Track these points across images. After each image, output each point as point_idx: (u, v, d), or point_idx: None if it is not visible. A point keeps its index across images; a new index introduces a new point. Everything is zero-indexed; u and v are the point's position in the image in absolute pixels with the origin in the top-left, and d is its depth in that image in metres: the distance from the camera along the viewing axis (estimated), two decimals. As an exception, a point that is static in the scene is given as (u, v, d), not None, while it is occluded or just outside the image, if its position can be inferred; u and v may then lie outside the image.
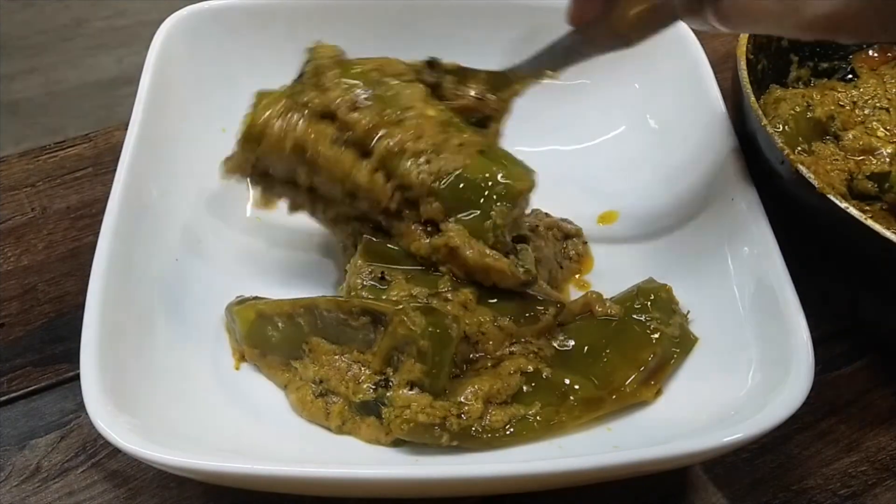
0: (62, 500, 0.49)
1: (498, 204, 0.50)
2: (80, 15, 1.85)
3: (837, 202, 0.50)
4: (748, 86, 0.57)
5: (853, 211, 0.49)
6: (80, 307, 0.47)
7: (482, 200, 0.50)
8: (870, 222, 0.49)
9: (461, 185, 0.50)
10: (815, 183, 0.51)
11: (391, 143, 0.50)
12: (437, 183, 0.50)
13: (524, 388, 0.49)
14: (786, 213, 0.55)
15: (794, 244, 0.53)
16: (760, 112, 0.56)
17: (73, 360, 0.45)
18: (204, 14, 0.65)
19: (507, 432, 0.48)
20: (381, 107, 0.52)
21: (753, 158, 0.57)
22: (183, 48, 0.63)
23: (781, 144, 0.53)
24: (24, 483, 0.50)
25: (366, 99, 0.52)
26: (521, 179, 0.51)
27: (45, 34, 1.81)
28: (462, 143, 0.51)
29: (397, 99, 0.52)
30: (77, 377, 0.44)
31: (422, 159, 0.50)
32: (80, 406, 0.44)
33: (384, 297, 0.50)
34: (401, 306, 0.48)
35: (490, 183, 0.50)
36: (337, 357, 0.50)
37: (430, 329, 0.47)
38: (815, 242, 0.55)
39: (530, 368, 0.50)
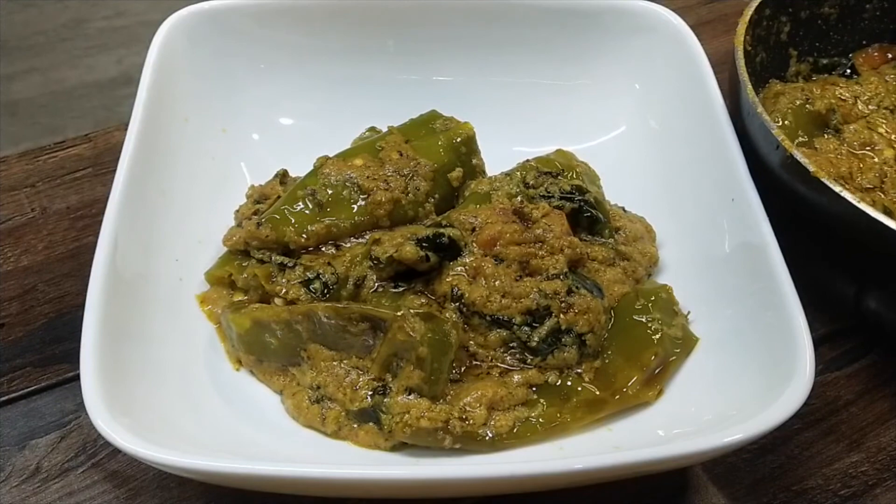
0: (62, 500, 0.49)
1: None
2: (80, 15, 1.85)
3: (831, 186, 0.49)
4: (745, 74, 0.57)
5: (847, 195, 0.48)
6: (80, 307, 0.47)
7: None
8: (863, 206, 0.48)
9: None
10: (810, 167, 0.50)
11: None
12: None
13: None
14: (784, 205, 0.55)
15: (794, 241, 0.53)
16: (756, 99, 0.55)
17: (73, 360, 0.45)
18: (204, 14, 0.65)
19: (511, 434, 0.48)
20: None
21: (750, 151, 0.56)
22: (183, 48, 0.63)
23: (776, 130, 0.53)
24: (24, 483, 0.50)
25: None
26: None
27: (45, 34, 1.81)
28: None
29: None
30: (77, 377, 0.44)
31: None
32: (80, 406, 0.44)
33: (398, 303, 0.50)
34: (401, 312, 0.48)
35: None
36: (335, 363, 0.50)
37: (429, 335, 0.47)
38: (815, 235, 0.55)
39: (540, 382, 0.50)
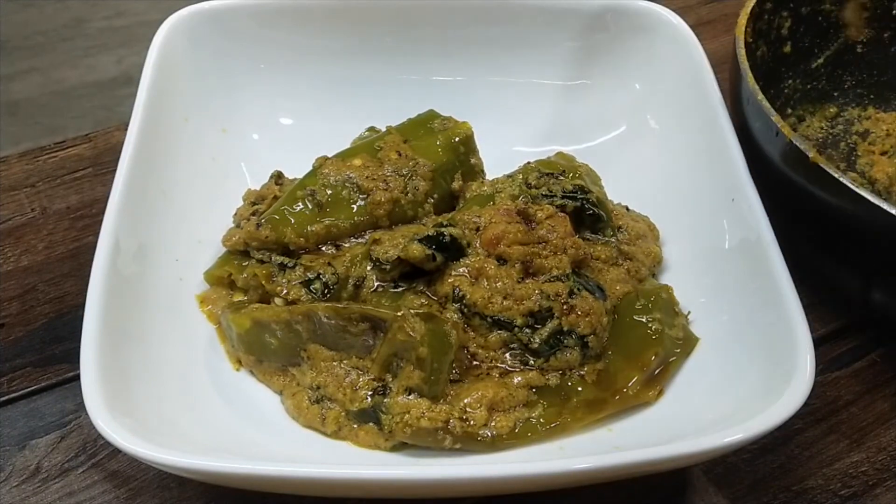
0: (62, 500, 0.49)
1: None
2: (80, 15, 1.85)
3: (831, 172, 0.48)
4: (745, 62, 0.56)
5: (846, 181, 0.47)
6: (80, 307, 0.47)
7: None
8: (861, 190, 0.47)
9: None
10: (809, 153, 0.49)
11: None
12: None
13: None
14: (785, 201, 0.53)
15: (795, 238, 0.51)
16: (756, 87, 0.55)
17: (73, 360, 0.45)
18: (204, 14, 0.65)
19: (511, 434, 0.48)
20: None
21: (750, 146, 0.55)
22: (183, 48, 0.63)
23: (775, 117, 0.52)
24: (24, 483, 0.50)
25: None
26: None
27: (45, 34, 1.81)
28: None
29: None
30: (77, 377, 0.44)
31: None
32: (80, 406, 0.44)
33: (398, 303, 0.50)
34: (401, 312, 0.48)
35: None
36: (335, 363, 0.50)
37: (429, 336, 0.47)
38: (818, 229, 0.54)
39: (541, 383, 0.50)
